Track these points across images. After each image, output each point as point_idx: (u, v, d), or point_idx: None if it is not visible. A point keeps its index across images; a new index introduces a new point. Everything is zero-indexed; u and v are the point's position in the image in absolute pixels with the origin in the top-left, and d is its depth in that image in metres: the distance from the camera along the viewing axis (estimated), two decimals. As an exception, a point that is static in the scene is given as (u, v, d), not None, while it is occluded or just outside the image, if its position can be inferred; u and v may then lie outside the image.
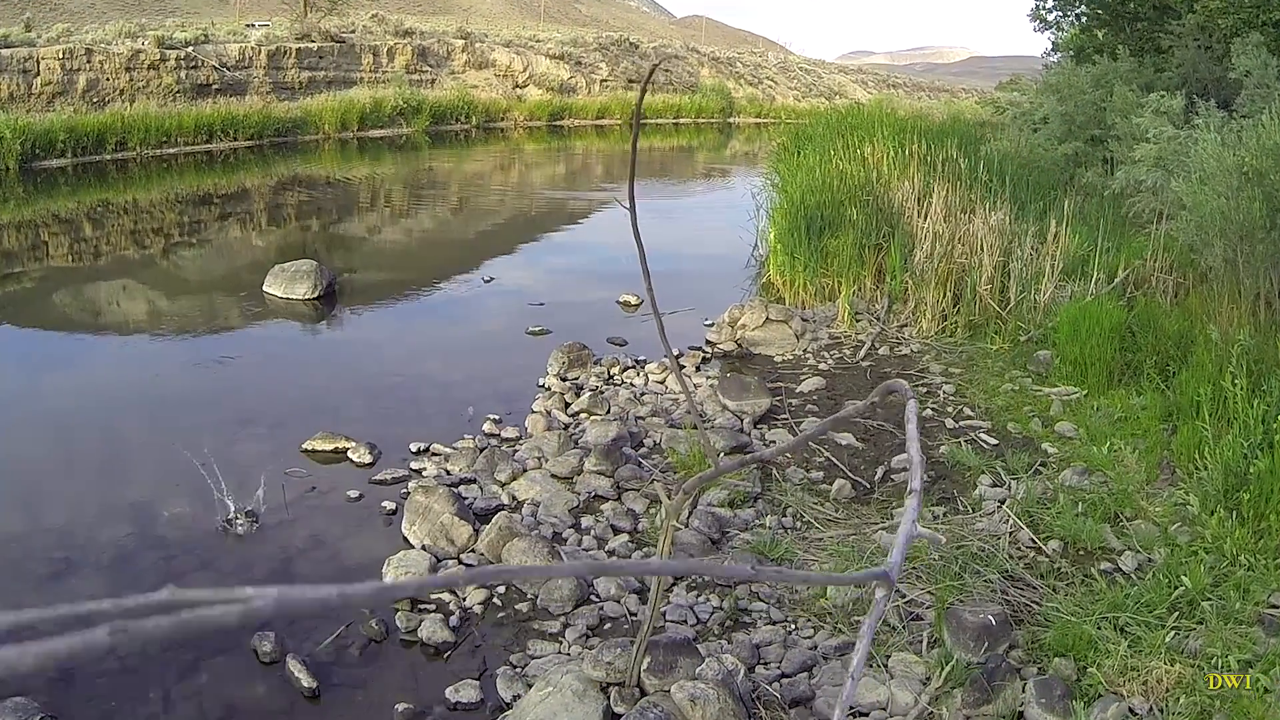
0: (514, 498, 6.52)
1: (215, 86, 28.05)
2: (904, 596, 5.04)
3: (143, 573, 5.50)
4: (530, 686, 4.45)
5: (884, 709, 4.30)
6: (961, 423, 7.66)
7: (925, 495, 6.28)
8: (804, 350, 9.63)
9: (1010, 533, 5.68)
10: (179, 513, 6.21)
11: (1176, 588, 4.83)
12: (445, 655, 4.84)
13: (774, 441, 7.40)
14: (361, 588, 1.18)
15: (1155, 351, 7.76)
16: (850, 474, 6.78)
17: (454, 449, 7.24)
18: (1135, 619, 4.62)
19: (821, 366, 9.19)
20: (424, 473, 6.88)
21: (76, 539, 5.88)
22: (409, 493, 6.31)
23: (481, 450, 7.17)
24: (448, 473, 6.87)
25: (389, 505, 6.37)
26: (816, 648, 4.78)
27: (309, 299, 11.48)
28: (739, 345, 9.79)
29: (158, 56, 26.45)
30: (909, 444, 2.68)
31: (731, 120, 47.91)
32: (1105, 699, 4.11)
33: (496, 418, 7.87)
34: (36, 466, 6.91)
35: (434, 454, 7.20)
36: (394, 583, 1.24)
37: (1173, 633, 4.47)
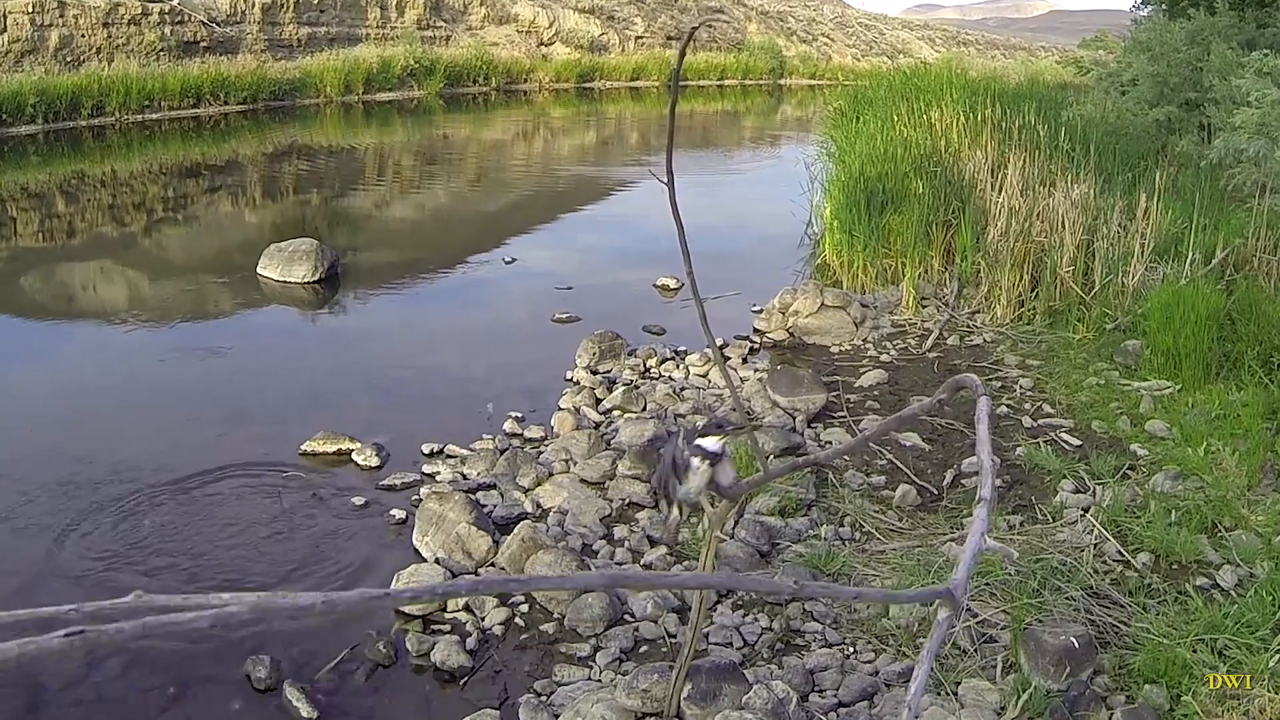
0: (538, 505, 6.54)
1: (204, 44, 28.26)
2: (975, 616, 5.04)
3: (118, 592, 5.55)
4: (557, 717, 4.48)
5: (953, 742, 4.31)
6: (1040, 421, 7.64)
7: (999, 502, 6.28)
8: (864, 340, 9.63)
9: (1095, 544, 5.66)
10: (159, 522, 6.27)
11: (1283, 606, 4.81)
12: (461, 682, 4.86)
13: (830, 442, 7.40)
14: (348, 595, 1.19)
15: (1258, 341, 7.71)
16: (915, 479, 6.77)
17: (471, 450, 7.28)
18: (1235, 641, 4.60)
19: (883, 358, 9.19)
20: (437, 477, 6.92)
21: (42, 554, 5.91)
22: (421, 499, 6.32)
23: (502, 452, 7.19)
24: (464, 477, 6.90)
25: (398, 514, 6.39)
26: (878, 673, 4.78)
27: (309, 282, 11.57)
28: (791, 334, 9.80)
29: (139, 10, 26.64)
30: (979, 447, 2.69)
31: (782, 82, 47.83)
32: (1202, 732, 4.11)
33: (519, 415, 7.90)
34: None
35: (449, 456, 7.24)
36: (387, 590, 1.25)
37: (1278, 656, 4.45)
